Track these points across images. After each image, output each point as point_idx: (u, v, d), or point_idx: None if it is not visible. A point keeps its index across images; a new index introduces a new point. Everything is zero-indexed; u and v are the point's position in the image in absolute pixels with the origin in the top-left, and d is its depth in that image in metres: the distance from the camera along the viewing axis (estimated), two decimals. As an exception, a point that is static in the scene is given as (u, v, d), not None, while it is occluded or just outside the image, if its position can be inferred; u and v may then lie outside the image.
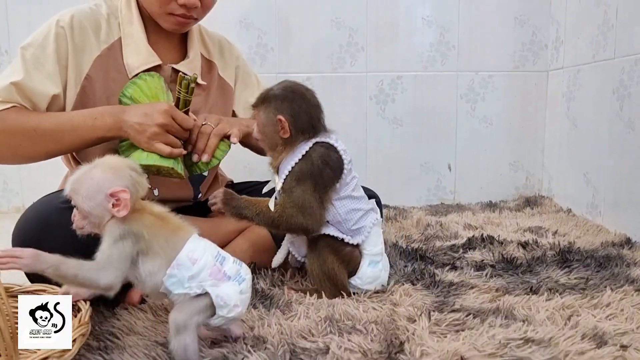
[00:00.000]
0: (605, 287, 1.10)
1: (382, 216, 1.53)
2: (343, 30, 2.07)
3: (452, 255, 1.37)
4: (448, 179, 2.14)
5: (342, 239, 1.08)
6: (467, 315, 0.96)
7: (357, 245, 1.11)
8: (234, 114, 1.45)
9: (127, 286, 1.03)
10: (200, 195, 1.37)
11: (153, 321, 0.95)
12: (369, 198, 1.48)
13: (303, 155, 1.04)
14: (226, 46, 1.44)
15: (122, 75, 1.19)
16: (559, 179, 2.00)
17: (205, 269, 0.79)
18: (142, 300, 1.04)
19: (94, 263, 0.74)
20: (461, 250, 1.41)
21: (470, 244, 1.45)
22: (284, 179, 1.05)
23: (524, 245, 1.42)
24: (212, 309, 0.78)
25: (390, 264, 1.19)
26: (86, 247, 0.93)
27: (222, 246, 1.22)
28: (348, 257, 1.10)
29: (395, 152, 2.15)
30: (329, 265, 1.07)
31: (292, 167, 1.04)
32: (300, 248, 1.14)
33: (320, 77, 2.10)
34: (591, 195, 1.71)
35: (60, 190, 1.11)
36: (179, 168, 1.09)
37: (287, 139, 1.06)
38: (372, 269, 1.10)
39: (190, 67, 1.29)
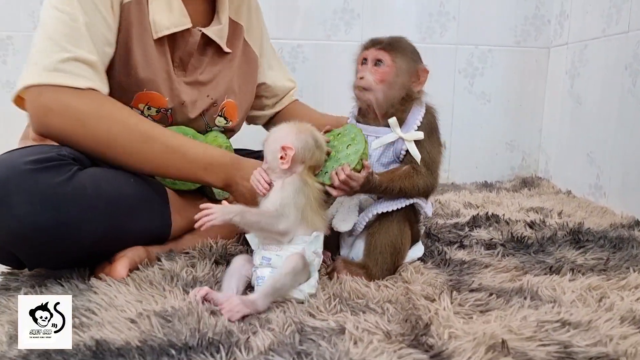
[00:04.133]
0: (628, 268, 1.02)
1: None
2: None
3: (458, 233, 1.28)
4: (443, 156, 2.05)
5: (418, 210, 1.03)
6: (489, 295, 0.86)
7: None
8: (259, 88, 1.31)
9: (109, 256, 0.92)
10: None
11: (136, 295, 0.83)
12: None
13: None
14: (254, 6, 1.28)
15: (147, 33, 1.03)
16: (557, 160, 1.93)
17: (321, 256, 0.90)
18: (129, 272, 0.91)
19: (273, 211, 0.83)
20: (467, 229, 1.32)
21: (475, 222, 1.36)
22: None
23: (531, 225, 1.34)
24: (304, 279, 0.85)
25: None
26: (51, 219, 0.82)
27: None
28: (416, 232, 1.04)
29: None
30: (403, 240, 0.97)
31: (421, 122, 0.96)
32: (365, 217, 0.99)
33: (312, 44, 1.97)
34: (595, 176, 1.64)
35: (26, 148, 0.96)
36: None
37: (414, 93, 0.98)
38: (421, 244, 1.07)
39: (220, 33, 1.14)
